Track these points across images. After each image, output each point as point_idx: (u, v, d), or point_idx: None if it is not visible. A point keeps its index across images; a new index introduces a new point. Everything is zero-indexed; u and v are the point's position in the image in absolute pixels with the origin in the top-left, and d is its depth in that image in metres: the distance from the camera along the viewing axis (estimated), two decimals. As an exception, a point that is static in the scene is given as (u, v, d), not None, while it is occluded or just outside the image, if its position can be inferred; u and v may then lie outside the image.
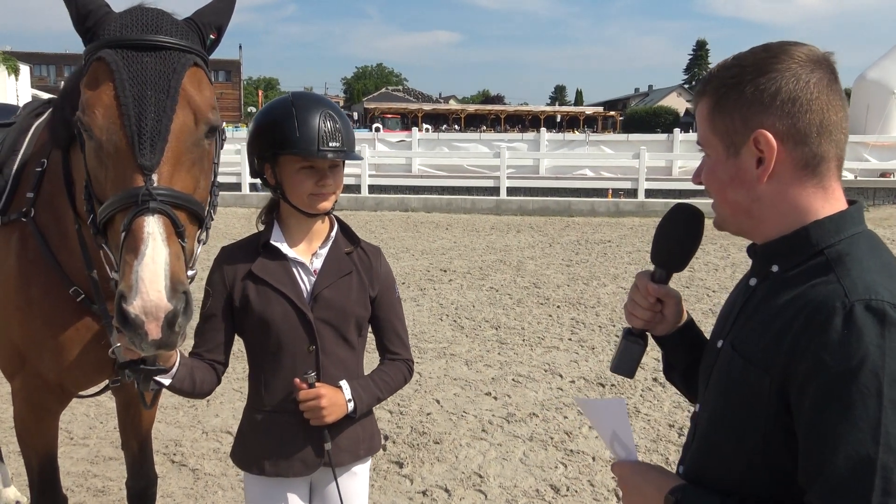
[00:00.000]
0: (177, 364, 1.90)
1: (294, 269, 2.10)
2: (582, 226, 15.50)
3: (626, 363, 1.61)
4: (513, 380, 5.94)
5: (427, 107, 68.46)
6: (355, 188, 18.68)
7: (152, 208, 1.65)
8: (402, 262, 10.86)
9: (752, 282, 1.41)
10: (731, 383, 1.34)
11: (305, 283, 2.10)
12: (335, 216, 2.21)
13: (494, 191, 18.78)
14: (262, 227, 2.16)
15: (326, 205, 2.07)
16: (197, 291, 1.70)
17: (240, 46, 70.61)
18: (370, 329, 2.23)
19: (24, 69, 32.57)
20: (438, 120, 63.47)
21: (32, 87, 33.94)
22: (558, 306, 8.33)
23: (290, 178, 2.04)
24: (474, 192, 19.20)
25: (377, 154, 21.34)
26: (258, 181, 2.17)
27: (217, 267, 2.11)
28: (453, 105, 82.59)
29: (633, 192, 18.44)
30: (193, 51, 1.85)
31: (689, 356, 1.62)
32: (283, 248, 2.09)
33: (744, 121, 1.32)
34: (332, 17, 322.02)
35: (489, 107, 79.10)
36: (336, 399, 2.03)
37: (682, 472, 1.47)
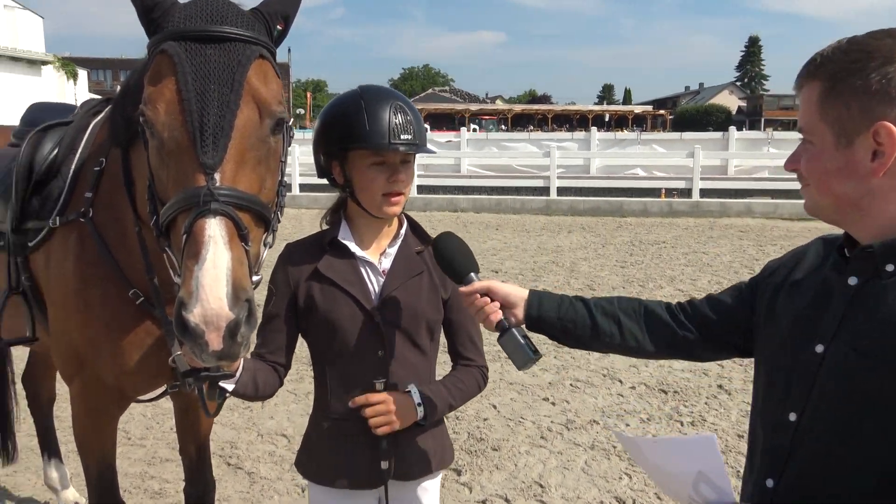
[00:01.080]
0: (240, 369, 1.82)
1: (362, 269, 1.99)
2: (635, 226, 15.19)
3: (518, 355, 1.77)
4: (571, 385, 5.77)
5: (474, 107, 68.38)
6: (404, 188, 18.55)
7: (214, 210, 1.55)
8: (453, 263, 10.74)
9: (853, 281, 1.31)
10: (856, 389, 1.24)
11: (374, 283, 1.99)
12: (405, 213, 2.10)
13: (544, 191, 18.54)
14: (326, 227, 2.06)
15: (396, 209, 1.97)
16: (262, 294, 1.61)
17: (289, 49, 71.46)
18: (442, 333, 2.11)
19: (82, 73, 33.71)
20: (485, 120, 63.35)
21: (90, 91, 35.04)
22: (614, 309, 8.10)
23: (360, 175, 1.94)
24: (524, 193, 19.00)
25: (425, 154, 21.16)
26: (323, 180, 2.07)
27: (281, 265, 2.02)
28: (500, 105, 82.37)
29: (687, 192, 17.99)
30: (259, 42, 1.75)
31: (571, 318, 1.78)
32: (351, 246, 1.99)
33: (863, 111, 1.23)
34: (378, 19, 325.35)
35: (536, 106, 78.70)
36: (404, 404, 1.92)
37: (776, 486, 1.37)
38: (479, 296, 1.81)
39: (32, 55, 26.08)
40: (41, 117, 2.81)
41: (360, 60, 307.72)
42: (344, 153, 1.94)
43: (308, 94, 72.69)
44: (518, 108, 75.90)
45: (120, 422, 2.67)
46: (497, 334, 1.81)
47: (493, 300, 1.80)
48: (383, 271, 2.00)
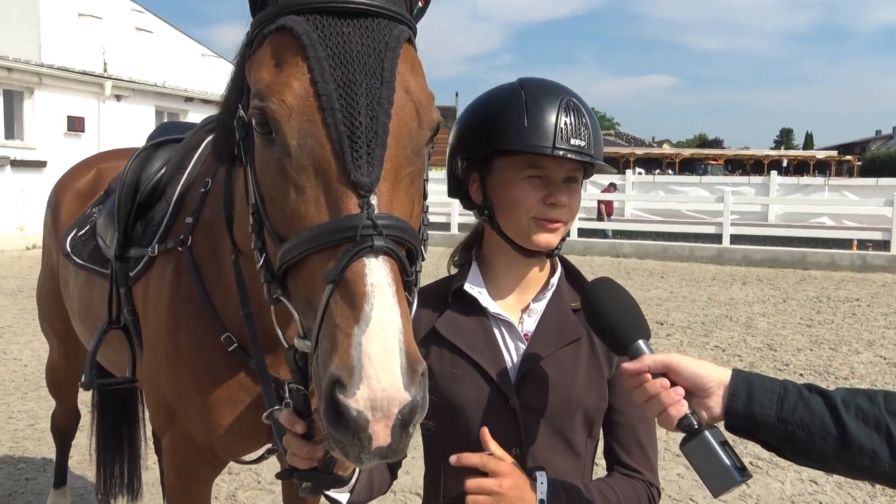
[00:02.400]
0: (356, 472, 1.36)
1: (496, 330, 1.50)
2: (821, 280, 13.63)
3: (712, 471, 1.20)
4: (750, 463, 4.91)
5: (639, 151, 66.54)
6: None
7: (377, 248, 1.12)
8: (613, 312, 10.00)
9: None
10: None
11: (512, 352, 1.49)
12: (561, 256, 1.60)
13: (716, 238, 17.23)
14: (455, 271, 1.60)
15: (551, 239, 1.47)
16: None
17: (456, 94, 73.47)
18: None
19: None
20: (651, 164, 61.38)
21: None
22: (800, 374, 7.06)
23: (506, 191, 1.46)
24: (692, 239, 17.78)
25: (588, 196, 20.60)
26: (459, 203, 1.61)
27: None
28: (667, 149, 79.72)
29: (883, 244, 16.02)
30: (406, 21, 1.30)
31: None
32: (483, 297, 1.51)
33: None
34: (547, 65, 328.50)
35: (706, 151, 75.31)
36: (521, 491, 1.36)
37: None
38: (650, 376, 1.26)
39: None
40: (167, 136, 2.57)
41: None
42: (488, 161, 1.48)
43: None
44: (686, 152, 72.86)
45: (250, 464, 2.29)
46: (680, 437, 1.25)
47: (673, 383, 1.25)
48: (525, 335, 1.50)
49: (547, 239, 1.47)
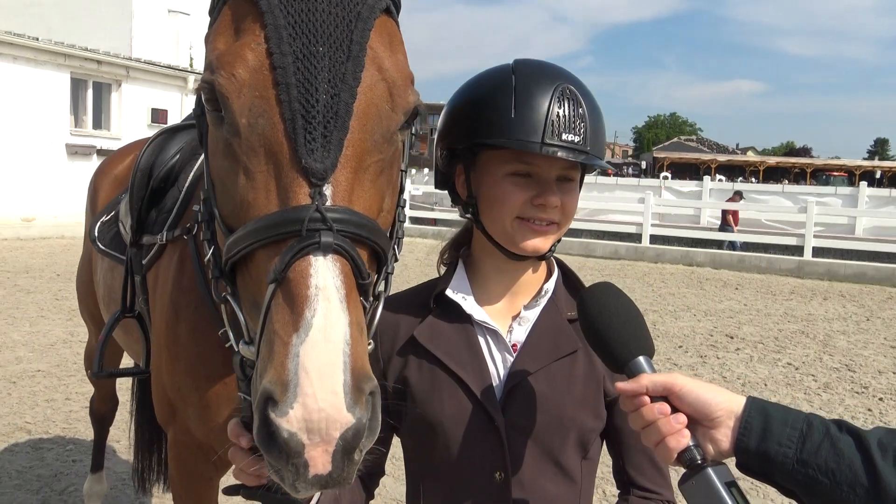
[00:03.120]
0: (317, 495, 1.21)
1: (481, 340, 1.34)
2: (910, 299, 12.81)
3: None
4: None
5: (721, 157, 64.60)
6: (636, 237, 17.55)
7: (325, 245, 0.97)
8: (682, 323, 9.61)
9: None
10: None
11: (498, 364, 1.33)
12: (556, 258, 1.42)
13: (797, 250, 16.44)
14: (444, 271, 1.43)
15: (539, 243, 1.30)
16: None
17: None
18: (603, 446, 1.39)
19: None
20: (734, 172, 59.50)
21: None
22: (880, 398, 6.58)
23: (490, 189, 1.30)
24: (771, 250, 17.02)
25: (662, 202, 20.02)
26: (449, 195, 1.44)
27: None
28: (751, 157, 77.14)
29: (982, 264, 14.99)
30: None
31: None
32: (467, 304, 1.35)
33: None
34: (628, 68, 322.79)
35: (793, 159, 72.47)
36: None
37: None
38: (649, 399, 1.07)
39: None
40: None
41: (606, 107, 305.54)
42: (473, 152, 1.32)
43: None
44: (772, 160, 70.29)
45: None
46: (679, 473, 1.06)
47: (675, 409, 1.06)
48: (514, 346, 1.33)
49: (535, 243, 1.30)
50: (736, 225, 18.40)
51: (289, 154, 1.01)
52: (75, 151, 18.06)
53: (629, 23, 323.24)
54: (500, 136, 1.26)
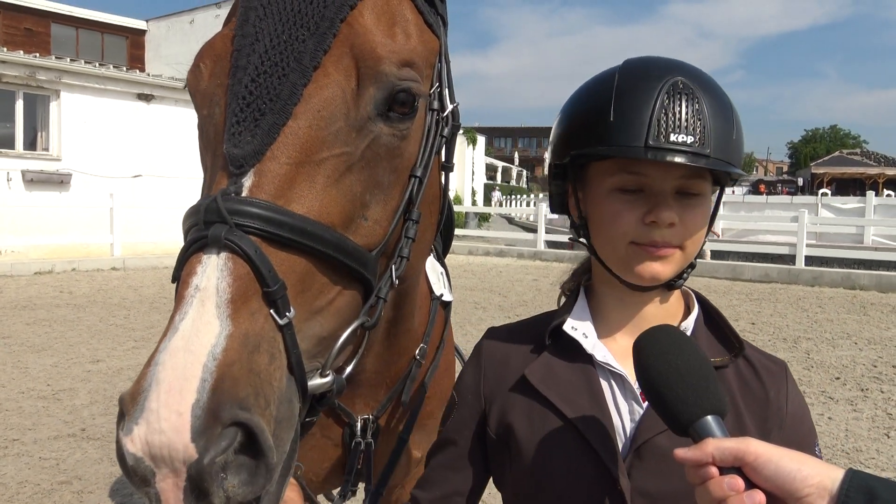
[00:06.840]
0: None
1: (604, 385, 1.15)
2: None
3: None
4: None
5: (890, 171, 59.46)
6: (789, 258, 16.35)
7: (213, 238, 0.87)
8: (840, 352, 8.78)
9: None
10: None
11: (624, 416, 1.13)
12: (698, 294, 1.22)
13: (981, 271, 14.73)
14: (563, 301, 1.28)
15: (658, 269, 1.11)
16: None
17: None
18: None
19: (481, 139, 38.53)
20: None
21: (487, 154, 40.05)
22: None
23: (597, 208, 1.15)
24: (950, 272, 15.33)
25: (819, 220, 18.56)
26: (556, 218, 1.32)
27: (474, 361, 1.27)
28: (927, 169, 70.53)
29: None
30: None
31: None
32: (588, 342, 1.16)
33: None
34: (782, 80, 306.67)
35: (976, 170, 65.54)
36: None
37: None
38: (717, 470, 0.86)
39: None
40: None
41: (756, 123, 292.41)
42: (580, 168, 1.17)
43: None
44: (950, 172, 64.00)
45: None
46: None
47: (750, 484, 0.85)
48: (643, 395, 1.12)
49: (653, 269, 1.10)
50: None
51: (217, 141, 0.96)
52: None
53: (781, 34, 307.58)
54: (597, 142, 1.10)
